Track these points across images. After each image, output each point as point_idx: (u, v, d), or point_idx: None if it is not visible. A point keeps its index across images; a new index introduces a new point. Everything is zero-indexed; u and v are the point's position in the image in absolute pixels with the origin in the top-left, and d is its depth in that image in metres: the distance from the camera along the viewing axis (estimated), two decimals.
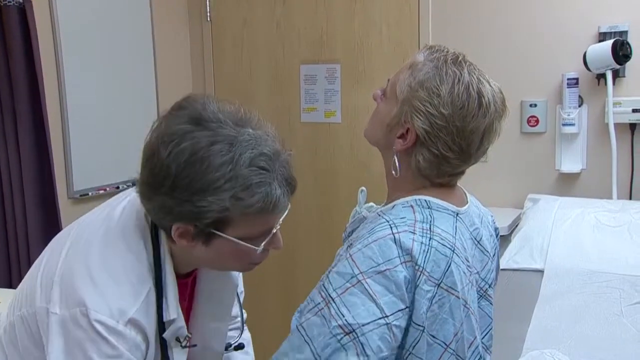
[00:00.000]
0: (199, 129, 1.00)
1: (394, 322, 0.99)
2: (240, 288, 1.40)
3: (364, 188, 1.26)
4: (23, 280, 1.19)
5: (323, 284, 1.04)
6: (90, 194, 2.67)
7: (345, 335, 0.98)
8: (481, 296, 1.19)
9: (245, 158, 0.99)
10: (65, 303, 1.03)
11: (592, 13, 2.62)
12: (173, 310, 1.11)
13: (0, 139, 2.27)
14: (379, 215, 1.10)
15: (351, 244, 1.07)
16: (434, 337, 1.04)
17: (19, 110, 2.28)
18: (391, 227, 1.03)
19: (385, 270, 0.99)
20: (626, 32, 2.55)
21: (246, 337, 1.49)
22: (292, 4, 3.15)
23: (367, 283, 0.99)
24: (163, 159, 1.00)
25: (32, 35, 2.28)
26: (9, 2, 2.21)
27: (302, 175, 3.19)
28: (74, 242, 1.11)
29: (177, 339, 1.15)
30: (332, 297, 1.00)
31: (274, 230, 1.08)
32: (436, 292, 1.03)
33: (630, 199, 2.60)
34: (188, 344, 1.17)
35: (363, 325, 0.98)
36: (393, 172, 1.12)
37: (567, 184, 2.74)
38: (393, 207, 1.11)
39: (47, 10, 2.49)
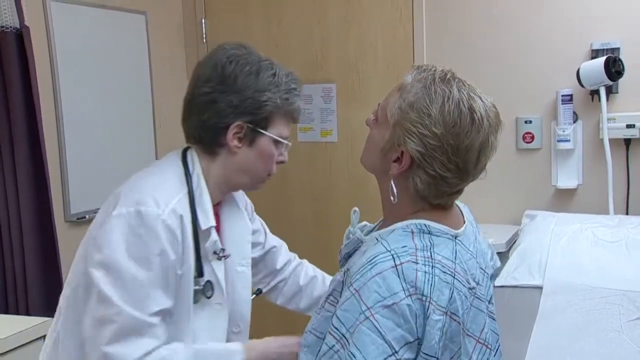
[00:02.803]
0: (247, 53, 1.37)
1: (403, 356, 0.98)
2: (255, 216, 1.64)
3: (356, 209, 1.25)
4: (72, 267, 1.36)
5: (333, 324, 1.01)
6: (87, 216, 2.66)
7: None
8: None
9: (282, 72, 1.37)
10: (119, 204, 1.26)
11: (585, 30, 2.65)
12: (208, 218, 1.33)
13: None
14: (378, 240, 1.08)
15: (350, 273, 1.05)
16: None
17: (16, 133, 2.28)
18: (394, 258, 1.01)
19: (392, 305, 0.97)
20: (618, 49, 2.58)
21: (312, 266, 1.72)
22: (287, 25, 3.18)
23: (374, 319, 0.97)
24: (231, 69, 1.33)
25: (29, 60, 2.29)
26: (6, 27, 2.23)
27: (300, 194, 3.21)
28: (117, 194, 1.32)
29: (214, 252, 1.36)
30: (346, 338, 0.98)
31: (288, 141, 1.41)
32: (445, 321, 1.01)
33: (627, 214, 2.60)
34: (223, 255, 1.38)
35: None
36: (391, 197, 1.10)
37: (563, 200, 2.75)
38: (392, 231, 1.09)
39: (44, 35, 2.51)
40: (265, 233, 1.66)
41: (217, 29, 3.31)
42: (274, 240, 1.67)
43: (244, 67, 1.33)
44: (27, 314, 2.28)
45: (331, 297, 1.10)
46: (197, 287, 1.33)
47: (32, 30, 2.35)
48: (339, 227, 1.31)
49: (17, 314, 2.28)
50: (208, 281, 1.35)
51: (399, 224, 1.09)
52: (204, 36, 3.32)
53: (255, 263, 1.59)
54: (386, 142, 1.10)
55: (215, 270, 1.37)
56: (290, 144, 1.42)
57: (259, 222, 1.64)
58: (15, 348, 1.88)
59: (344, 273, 1.07)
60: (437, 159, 1.05)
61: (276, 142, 1.37)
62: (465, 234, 1.14)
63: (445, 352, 1.04)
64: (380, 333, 0.96)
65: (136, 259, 1.22)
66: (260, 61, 1.36)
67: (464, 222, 1.16)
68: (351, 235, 1.22)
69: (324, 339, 1.07)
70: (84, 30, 2.70)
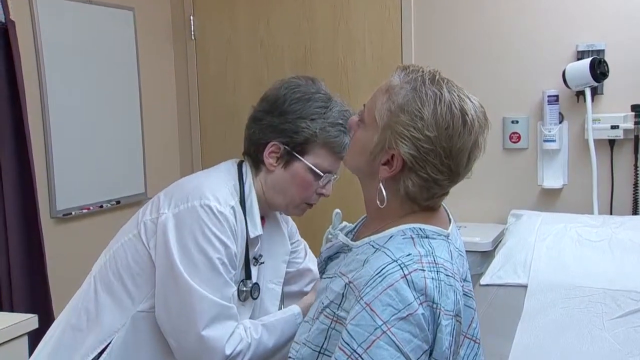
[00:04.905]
0: (310, 85, 1.44)
1: None
2: (298, 238, 1.68)
3: (338, 210, 1.23)
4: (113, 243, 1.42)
5: (343, 339, 0.98)
6: (73, 213, 2.65)
7: None
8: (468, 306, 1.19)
9: (337, 107, 1.41)
10: (175, 204, 1.31)
11: (570, 32, 2.67)
12: (258, 227, 1.41)
13: None
14: (375, 249, 1.06)
15: (356, 286, 1.02)
16: None
17: (1, 128, 2.26)
18: (402, 268, 0.99)
19: (407, 316, 0.96)
20: (603, 50, 2.60)
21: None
22: (275, 23, 3.18)
23: (392, 333, 0.95)
24: (283, 94, 1.41)
25: (15, 55, 2.28)
26: None
27: None
28: (168, 190, 1.39)
29: (253, 257, 1.44)
30: (358, 353, 0.96)
31: (333, 176, 1.43)
32: (453, 324, 1.01)
33: (611, 213, 2.63)
34: (262, 262, 1.48)
35: None
36: (378, 202, 1.08)
37: (549, 200, 2.78)
38: (390, 238, 1.07)
39: (30, 30, 2.49)
40: (306, 255, 1.69)
41: (206, 26, 3.30)
42: (312, 264, 1.67)
43: (295, 94, 1.41)
44: (12, 310, 2.27)
45: (327, 310, 1.07)
46: (245, 289, 1.42)
47: (18, 25, 2.33)
48: (325, 228, 1.30)
49: (1, 310, 2.26)
50: (255, 283, 1.44)
51: (394, 230, 1.08)
52: (192, 33, 3.31)
53: (287, 281, 1.62)
54: (375, 145, 1.07)
55: (256, 274, 1.45)
56: (329, 176, 1.43)
57: (301, 244, 1.69)
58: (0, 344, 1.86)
59: (345, 285, 1.05)
60: (429, 162, 1.04)
61: (314, 172, 1.40)
62: (452, 232, 1.14)
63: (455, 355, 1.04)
64: (398, 347, 0.95)
65: (205, 246, 1.28)
66: (317, 93, 1.42)
67: (450, 220, 1.16)
68: (330, 237, 1.21)
69: (319, 352, 1.06)
70: (71, 25, 2.68)
